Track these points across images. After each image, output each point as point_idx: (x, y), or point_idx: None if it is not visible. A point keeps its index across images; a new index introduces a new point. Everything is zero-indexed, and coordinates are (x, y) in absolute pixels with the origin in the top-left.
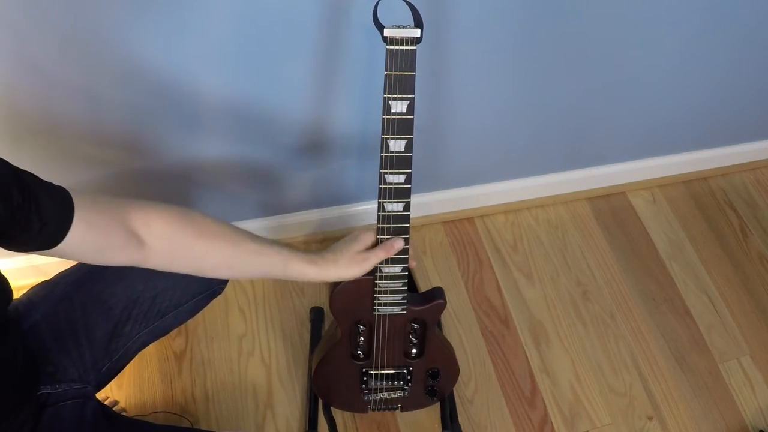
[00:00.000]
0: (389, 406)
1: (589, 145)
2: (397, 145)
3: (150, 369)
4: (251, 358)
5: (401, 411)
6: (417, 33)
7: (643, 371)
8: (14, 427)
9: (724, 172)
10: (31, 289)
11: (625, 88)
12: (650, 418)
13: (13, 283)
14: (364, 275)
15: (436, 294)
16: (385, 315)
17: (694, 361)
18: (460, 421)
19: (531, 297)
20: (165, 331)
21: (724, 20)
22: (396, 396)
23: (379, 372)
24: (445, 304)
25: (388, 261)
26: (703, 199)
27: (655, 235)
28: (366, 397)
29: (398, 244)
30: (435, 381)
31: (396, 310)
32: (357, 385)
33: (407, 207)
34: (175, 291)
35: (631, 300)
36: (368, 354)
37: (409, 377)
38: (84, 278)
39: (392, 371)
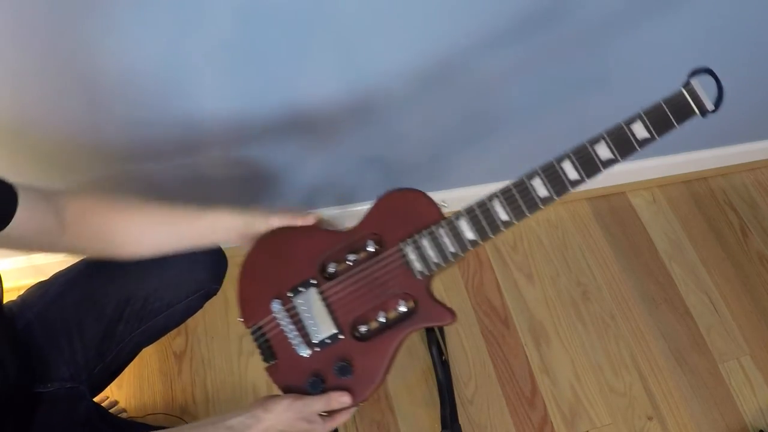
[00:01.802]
0: (268, 351)
1: None
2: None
3: (150, 369)
4: (251, 358)
5: (269, 373)
6: (711, 107)
7: (643, 371)
8: None
9: (724, 172)
10: (27, 290)
11: (625, 88)
12: (650, 418)
13: (13, 283)
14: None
15: (450, 311)
16: (404, 259)
17: (694, 361)
18: (460, 421)
19: (531, 297)
20: (159, 333)
21: (725, 23)
22: (291, 342)
23: (317, 299)
24: (449, 323)
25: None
26: (703, 199)
27: (655, 235)
28: (273, 307)
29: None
30: (334, 376)
31: (418, 266)
32: (288, 284)
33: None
34: (167, 291)
35: (631, 300)
36: (333, 276)
37: (327, 341)
38: (77, 278)
39: (325, 315)
